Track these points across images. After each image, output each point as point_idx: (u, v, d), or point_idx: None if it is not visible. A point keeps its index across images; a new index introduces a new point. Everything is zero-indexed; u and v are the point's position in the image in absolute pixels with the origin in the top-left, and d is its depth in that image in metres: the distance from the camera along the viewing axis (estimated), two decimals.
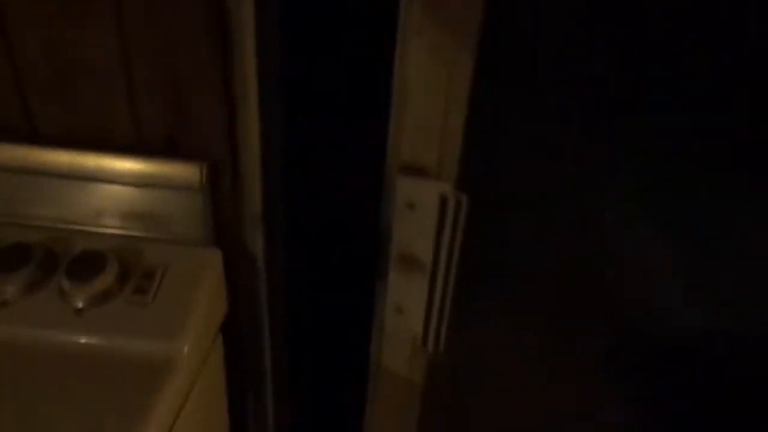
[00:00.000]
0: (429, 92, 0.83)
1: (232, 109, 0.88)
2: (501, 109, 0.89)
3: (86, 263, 0.90)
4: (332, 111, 1.02)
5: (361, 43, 0.97)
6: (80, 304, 0.88)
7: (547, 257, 1.06)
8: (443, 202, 0.88)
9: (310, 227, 1.09)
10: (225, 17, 0.81)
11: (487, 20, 0.78)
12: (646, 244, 1.03)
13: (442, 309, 1.00)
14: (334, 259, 1.13)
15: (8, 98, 0.90)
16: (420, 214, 0.89)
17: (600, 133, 0.95)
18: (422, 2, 0.76)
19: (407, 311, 1.01)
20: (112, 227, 0.97)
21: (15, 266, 0.90)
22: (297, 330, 1.13)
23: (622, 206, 1.00)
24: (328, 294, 1.15)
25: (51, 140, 0.92)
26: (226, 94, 0.86)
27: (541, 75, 0.88)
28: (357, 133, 1.01)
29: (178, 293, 0.92)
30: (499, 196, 0.96)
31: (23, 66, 0.87)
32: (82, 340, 0.86)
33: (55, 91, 0.88)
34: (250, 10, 0.81)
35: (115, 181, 0.94)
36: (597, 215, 1.01)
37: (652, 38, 0.85)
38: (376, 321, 1.04)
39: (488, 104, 0.85)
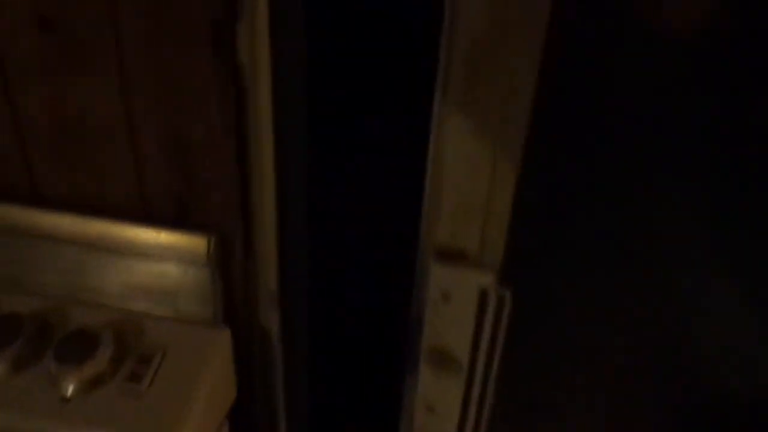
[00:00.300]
0: (470, 169, 0.70)
1: (246, 177, 0.78)
2: (553, 189, 0.76)
3: (78, 343, 0.80)
4: (360, 179, 0.91)
5: (394, 102, 0.86)
6: (68, 392, 0.78)
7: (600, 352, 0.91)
8: (483, 295, 0.74)
9: (333, 309, 0.98)
10: (238, 75, 0.71)
11: (540, 92, 0.65)
12: (724, 302, 0.88)
13: (480, 410, 0.86)
14: (358, 347, 1.00)
15: (9, 157, 0.82)
16: (456, 307, 0.76)
17: (665, 196, 0.81)
18: (465, 72, 0.65)
19: (439, 410, 0.88)
20: (112, 300, 0.87)
21: (4, 341, 0.81)
22: (317, 423, 1.01)
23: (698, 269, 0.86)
24: (352, 384, 1.02)
25: (52, 203, 0.84)
26: (238, 160, 0.76)
27: (600, 149, 0.75)
28: (388, 207, 0.89)
29: (177, 379, 0.81)
30: (548, 285, 0.82)
31: (24, 124, 0.79)
32: None
33: (57, 152, 0.80)
34: (266, 66, 0.71)
35: (118, 250, 0.84)
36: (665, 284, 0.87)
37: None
38: (404, 418, 0.91)
39: (540, 184, 0.72)
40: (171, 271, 0.84)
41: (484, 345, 0.77)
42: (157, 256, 0.84)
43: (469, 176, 0.71)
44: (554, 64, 0.66)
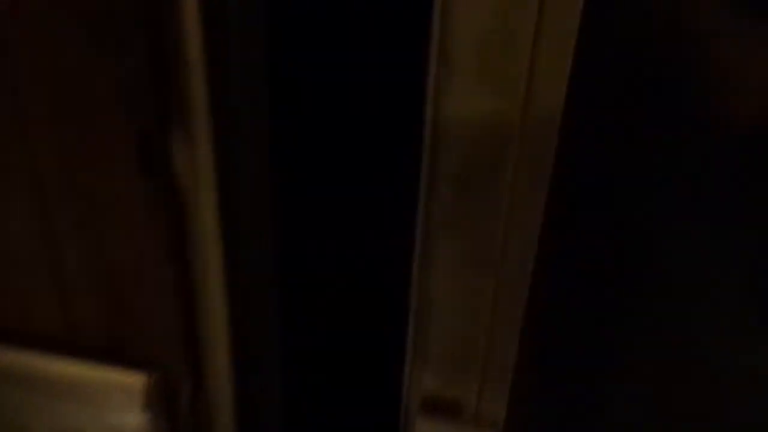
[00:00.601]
0: (462, 306, 0.56)
1: (189, 307, 0.64)
2: (568, 326, 0.62)
3: None
4: (335, 306, 0.77)
5: (374, 219, 0.72)
6: None
7: None
8: None
9: None
10: (175, 192, 0.58)
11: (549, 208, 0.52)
12: None
13: None
14: None
15: None
16: None
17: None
18: (454, 190, 0.51)
19: None
20: None
21: None
22: None
23: None
24: None
25: None
26: (179, 288, 0.62)
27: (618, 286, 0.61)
28: (369, 340, 0.75)
29: None
30: None
31: None
32: None
33: None
34: (210, 180, 0.58)
35: (44, 388, 0.70)
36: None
37: None
38: None
39: (551, 321, 0.58)
40: (103, 414, 0.70)
41: None
42: (89, 395, 0.69)
43: (459, 313, 0.57)
44: (565, 176, 0.53)
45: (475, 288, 0.55)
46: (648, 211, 0.63)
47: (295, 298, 0.78)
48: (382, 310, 0.70)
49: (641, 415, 0.70)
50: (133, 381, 0.67)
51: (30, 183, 0.59)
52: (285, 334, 0.73)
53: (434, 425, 0.60)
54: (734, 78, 0.57)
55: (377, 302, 0.73)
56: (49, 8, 0.51)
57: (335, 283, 0.76)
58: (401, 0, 0.63)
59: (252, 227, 0.65)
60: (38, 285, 0.66)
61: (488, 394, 0.59)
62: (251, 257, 0.67)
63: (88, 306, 0.65)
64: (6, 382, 0.71)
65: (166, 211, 0.57)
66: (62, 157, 0.57)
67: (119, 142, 0.53)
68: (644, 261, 0.63)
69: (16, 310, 0.68)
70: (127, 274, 0.62)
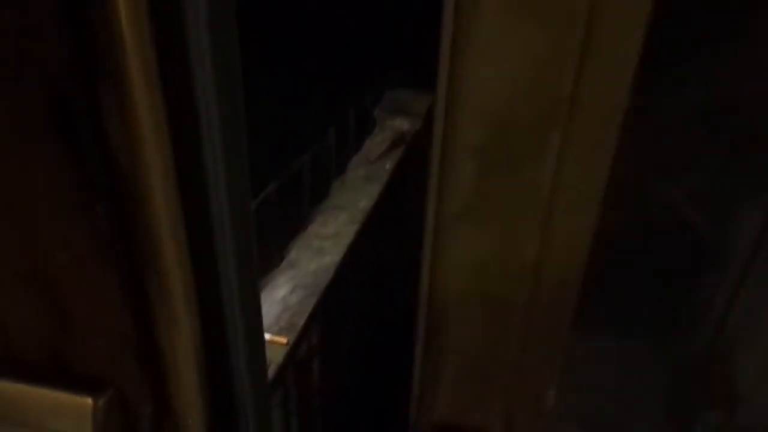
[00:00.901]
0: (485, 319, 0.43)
1: (144, 314, 0.52)
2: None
3: None
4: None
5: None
6: None
7: None
8: None
9: None
10: (114, 173, 0.45)
11: None
12: None
13: None
14: None
15: None
16: None
17: None
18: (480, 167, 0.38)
19: None
20: None
21: None
22: None
23: None
24: None
25: None
26: (127, 293, 0.50)
27: None
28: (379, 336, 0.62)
29: None
30: None
31: None
32: None
33: None
34: (160, 152, 0.45)
35: None
36: None
37: None
38: None
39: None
40: None
41: None
42: (32, 419, 0.58)
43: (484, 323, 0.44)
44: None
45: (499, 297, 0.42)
46: None
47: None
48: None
49: None
50: (81, 403, 0.55)
51: None
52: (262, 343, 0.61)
53: None
54: None
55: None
56: None
57: None
58: None
59: (222, 209, 0.52)
60: None
61: (518, 425, 0.46)
62: (223, 250, 0.55)
63: (22, 316, 0.53)
64: None
65: (95, 196, 0.44)
66: None
67: (30, 112, 0.41)
68: None
69: None
70: (64, 277, 0.49)
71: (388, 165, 2.06)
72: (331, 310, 1.48)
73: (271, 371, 1.16)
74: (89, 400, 0.55)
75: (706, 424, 0.78)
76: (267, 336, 1.23)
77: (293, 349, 1.31)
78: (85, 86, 0.40)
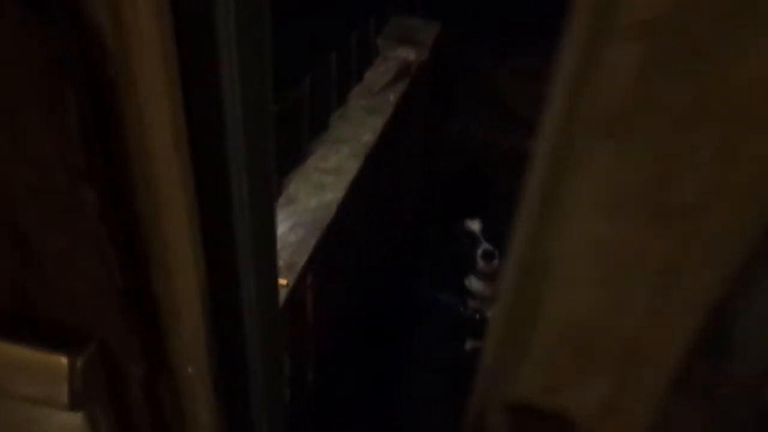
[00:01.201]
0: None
1: (133, 250, 0.40)
2: None
3: None
4: None
5: None
6: None
7: None
8: None
9: None
10: (98, 61, 0.32)
11: None
12: None
13: None
14: None
15: None
16: None
17: None
18: None
19: None
20: None
21: None
22: None
23: None
24: None
25: None
26: (108, 221, 0.38)
27: None
28: None
29: None
30: None
31: None
32: None
33: None
34: (159, 29, 0.32)
35: None
36: None
37: None
38: None
39: None
40: (17, 405, 0.47)
41: None
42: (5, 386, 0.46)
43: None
44: None
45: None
46: None
47: None
48: None
49: None
50: (54, 362, 0.44)
51: None
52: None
53: None
54: None
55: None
56: None
57: None
58: None
59: (235, 105, 0.40)
60: None
61: (623, 410, 0.36)
62: (235, 160, 0.42)
63: None
64: None
65: (71, 89, 0.32)
66: None
67: None
68: None
69: None
70: (26, 197, 0.37)
71: (392, 97, 1.92)
72: (333, 250, 1.38)
73: None
74: (64, 359, 0.43)
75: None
76: None
77: (292, 292, 1.21)
78: None
